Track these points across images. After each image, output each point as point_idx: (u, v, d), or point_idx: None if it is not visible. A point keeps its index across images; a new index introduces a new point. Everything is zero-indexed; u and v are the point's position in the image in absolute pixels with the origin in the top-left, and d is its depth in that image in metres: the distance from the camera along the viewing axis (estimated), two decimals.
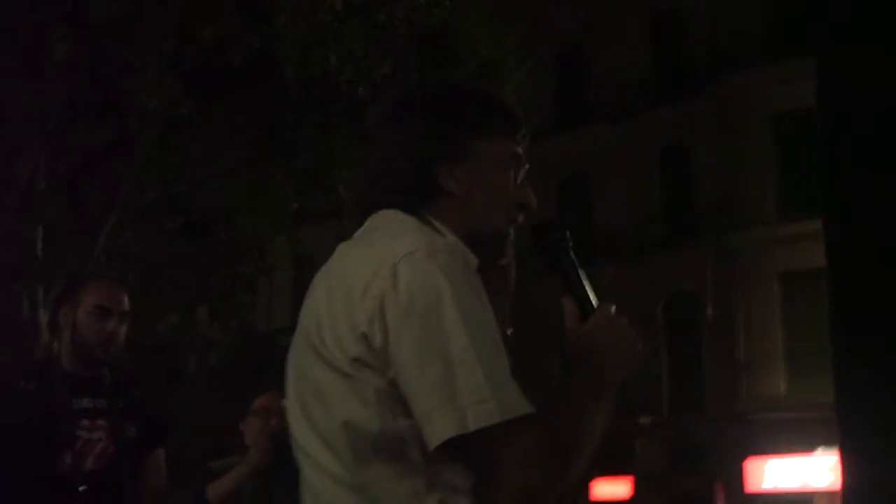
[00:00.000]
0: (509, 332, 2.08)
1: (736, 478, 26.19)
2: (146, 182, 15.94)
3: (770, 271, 26.68)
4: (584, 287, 2.10)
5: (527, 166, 2.15)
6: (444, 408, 1.79)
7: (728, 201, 27.60)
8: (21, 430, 3.76)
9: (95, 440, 3.83)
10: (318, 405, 1.92)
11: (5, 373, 4.23)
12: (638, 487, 27.91)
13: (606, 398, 1.94)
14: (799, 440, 24.33)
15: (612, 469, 26.14)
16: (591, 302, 2.09)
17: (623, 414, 24.94)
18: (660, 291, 28.83)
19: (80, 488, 3.72)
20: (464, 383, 1.79)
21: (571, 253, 2.11)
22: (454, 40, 16.64)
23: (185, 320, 20.08)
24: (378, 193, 2.06)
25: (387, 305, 1.83)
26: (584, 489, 26.75)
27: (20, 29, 13.53)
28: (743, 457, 26.12)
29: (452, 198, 2.03)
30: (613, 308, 2.08)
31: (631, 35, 30.34)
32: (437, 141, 2.04)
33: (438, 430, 1.79)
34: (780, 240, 25.93)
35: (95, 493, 3.72)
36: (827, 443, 21.54)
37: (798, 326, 25.60)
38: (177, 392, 20.02)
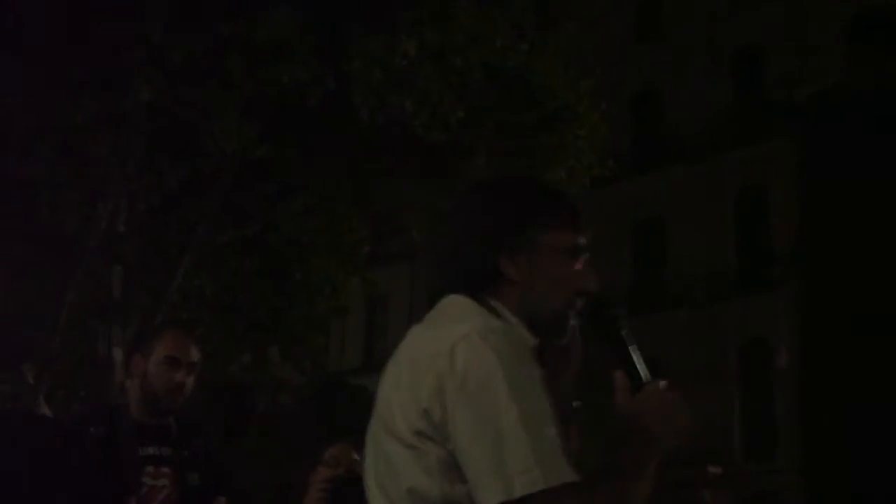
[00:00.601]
0: (574, 404, 2.35)
1: None
2: (222, 223, 16.16)
3: None
4: (635, 362, 2.23)
5: (587, 255, 2.30)
6: (493, 475, 1.96)
7: None
8: (89, 474, 3.85)
9: (160, 487, 3.93)
10: (388, 473, 2.12)
11: (77, 418, 4.35)
12: None
13: (651, 469, 2.10)
14: None
15: None
16: (642, 376, 2.22)
17: (692, 463, 24.65)
18: (733, 337, 28.55)
19: None
20: (512, 453, 1.96)
21: (625, 330, 2.26)
22: (530, 84, 16.70)
23: (258, 360, 20.28)
24: (446, 278, 2.27)
25: (445, 383, 2.03)
26: None
27: (105, 73, 13.85)
28: None
29: (514, 284, 2.23)
30: (664, 383, 2.21)
31: (708, 74, 30.18)
32: (500, 232, 2.24)
33: (488, 496, 1.97)
34: None
35: None
36: None
37: None
38: (248, 431, 20.17)
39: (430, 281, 2.32)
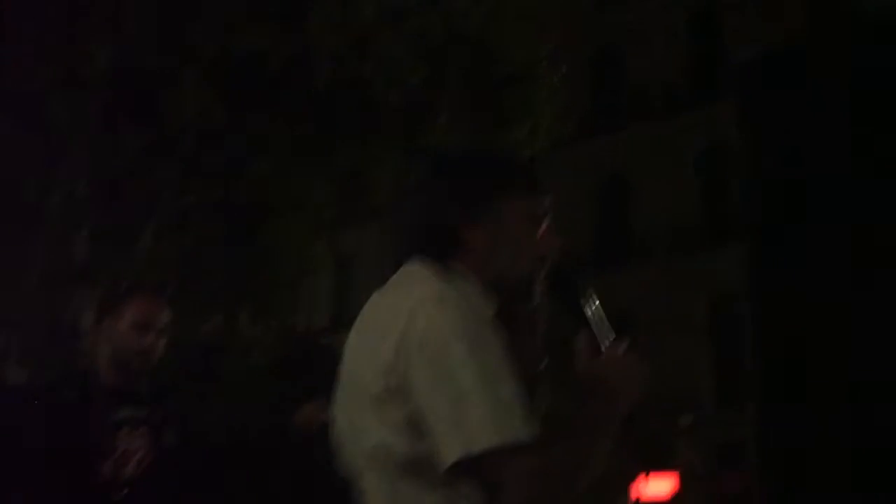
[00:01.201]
0: (542, 364, 2.44)
1: None
2: (186, 187, 16.12)
3: None
4: (598, 324, 2.30)
5: (548, 218, 2.37)
6: (453, 433, 2.04)
7: None
8: (62, 439, 3.87)
9: (134, 449, 3.94)
10: (352, 433, 2.22)
11: (48, 384, 4.35)
12: (680, 486, 27.85)
13: (612, 428, 2.17)
14: None
15: (654, 468, 26.13)
16: (604, 337, 2.29)
17: (665, 413, 24.91)
18: (701, 290, 28.75)
19: (120, 496, 3.82)
20: (471, 411, 2.04)
21: (588, 292, 2.32)
22: (490, 46, 16.68)
23: (227, 321, 20.26)
24: (411, 246, 2.33)
25: (406, 344, 2.10)
26: (625, 489, 26.71)
27: (63, 37, 13.74)
28: None
29: (478, 251, 2.28)
30: (627, 343, 2.28)
31: (668, 34, 30.23)
32: (463, 202, 2.30)
33: (448, 453, 2.05)
34: None
35: (135, 501, 3.83)
36: None
37: None
38: (219, 393, 20.17)
39: (395, 248, 2.38)
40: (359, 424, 2.18)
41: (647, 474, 26.54)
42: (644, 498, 27.50)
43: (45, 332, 16.07)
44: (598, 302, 2.32)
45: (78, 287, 15.27)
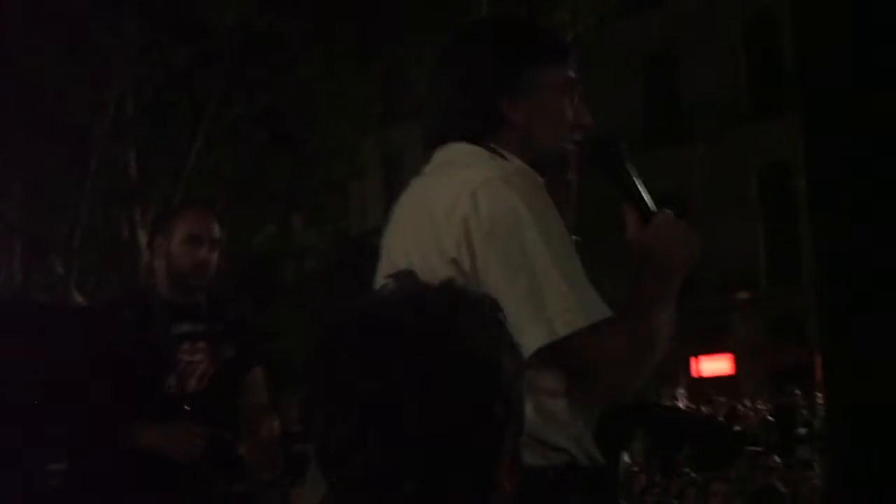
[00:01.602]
0: (574, 238, 2.21)
1: None
2: (231, 98, 16.10)
3: None
4: (642, 195, 2.22)
5: (580, 88, 2.26)
6: (534, 318, 1.94)
7: None
8: (126, 357, 3.93)
9: (197, 362, 3.99)
10: None
11: (109, 304, 4.41)
12: (739, 362, 27.90)
13: (671, 296, 2.11)
14: None
15: (712, 346, 26.16)
16: (649, 208, 2.21)
17: (720, 290, 24.84)
18: (751, 164, 28.45)
19: (185, 408, 3.89)
20: (549, 294, 1.96)
21: (628, 164, 2.24)
22: None
23: (281, 229, 20.40)
24: (446, 128, 2.20)
25: (471, 230, 1.98)
26: (684, 367, 26.82)
27: None
28: None
29: (515, 127, 2.16)
30: (670, 213, 2.19)
31: None
32: (498, 76, 2.16)
33: (531, 339, 1.92)
34: None
35: (199, 412, 3.90)
36: None
37: None
38: (277, 301, 20.38)
39: (428, 129, 2.27)
40: None
41: (701, 354, 26.61)
42: (703, 375, 27.62)
43: (104, 253, 16.30)
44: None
45: (132, 204, 15.44)
